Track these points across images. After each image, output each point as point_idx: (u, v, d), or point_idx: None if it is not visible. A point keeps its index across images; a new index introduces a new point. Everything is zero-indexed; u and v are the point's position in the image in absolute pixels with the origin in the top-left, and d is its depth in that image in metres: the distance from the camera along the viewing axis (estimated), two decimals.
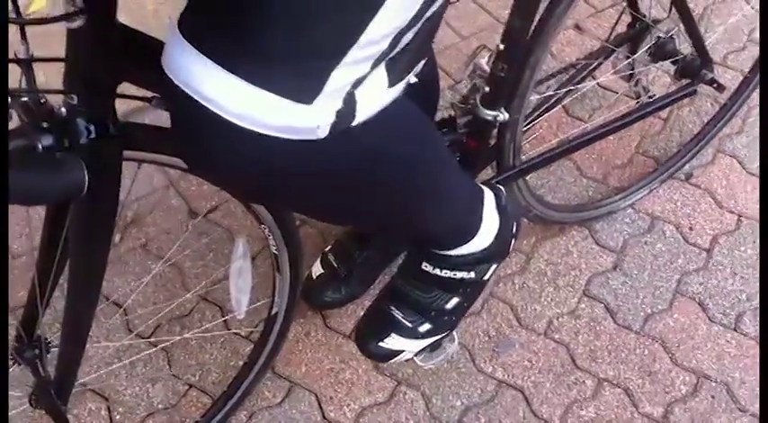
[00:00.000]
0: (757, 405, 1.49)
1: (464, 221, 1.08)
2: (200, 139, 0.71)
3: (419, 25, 0.72)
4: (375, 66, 0.71)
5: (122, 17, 0.73)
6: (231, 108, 0.67)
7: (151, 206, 1.62)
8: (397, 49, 0.72)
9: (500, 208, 1.13)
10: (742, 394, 1.51)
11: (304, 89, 0.67)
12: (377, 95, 0.74)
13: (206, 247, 1.59)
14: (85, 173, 0.72)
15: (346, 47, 0.67)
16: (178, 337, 1.46)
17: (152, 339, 1.46)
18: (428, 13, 0.72)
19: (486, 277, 1.15)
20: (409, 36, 0.72)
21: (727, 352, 1.56)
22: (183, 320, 1.50)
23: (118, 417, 1.40)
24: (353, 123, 0.73)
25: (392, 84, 0.75)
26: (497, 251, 1.13)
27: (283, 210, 1.03)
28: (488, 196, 1.13)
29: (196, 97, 0.67)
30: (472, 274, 1.12)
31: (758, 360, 1.55)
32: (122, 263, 1.55)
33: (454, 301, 1.15)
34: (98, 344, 1.43)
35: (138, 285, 1.49)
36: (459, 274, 1.11)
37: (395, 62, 0.73)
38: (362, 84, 0.71)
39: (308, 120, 0.69)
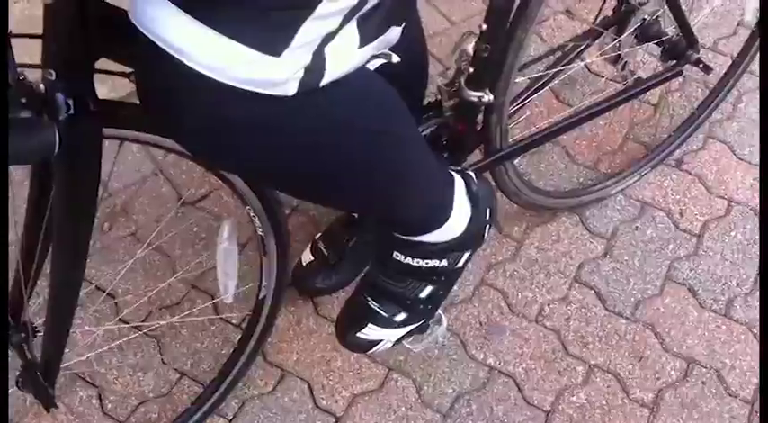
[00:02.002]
0: (747, 390, 1.49)
1: (433, 206, 1.07)
2: (167, 94, 0.71)
3: None
4: (345, 21, 0.71)
5: None
6: (199, 58, 0.67)
7: (139, 194, 1.62)
8: (368, 6, 0.72)
9: (471, 194, 1.12)
10: (732, 379, 1.51)
11: (272, 41, 0.68)
12: (347, 54, 0.74)
13: (195, 234, 1.59)
14: (56, 134, 0.72)
15: (317, 0, 0.67)
16: (167, 322, 1.45)
17: (143, 324, 1.46)
18: None
19: (459, 265, 1.14)
20: None
21: (718, 337, 1.56)
22: (174, 309, 1.50)
23: (109, 405, 1.40)
24: (322, 82, 0.73)
25: (362, 44, 0.75)
26: (470, 239, 1.13)
27: (266, 189, 1.03)
28: (458, 183, 1.11)
29: (163, 46, 0.67)
30: (444, 263, 1.12)
31: (747, 345, 1.55)
32: (111, 251, 1.55)
33: (428, 289, 1.15)
34: (88, 332, 1.43)
35: (126, 273, 1.49)
36: (431, 263, 1.11)
37: (366, 20, 0.73)
38: (332, 41, 0.71)
39: (275, 72, 0.69)
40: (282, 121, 0.75)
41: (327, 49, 0.71)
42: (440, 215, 1.07)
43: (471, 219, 1.11)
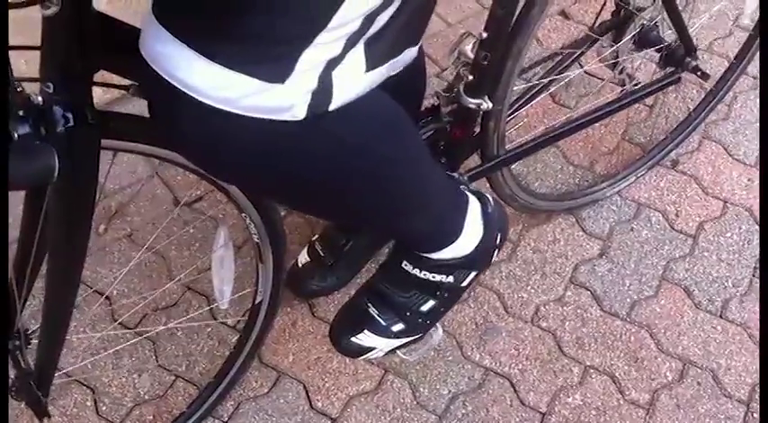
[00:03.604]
0: (743, 391, 1.50)
1: (443, 226, 1.08)
2: (180, 124, 0.72)
3: (394, 7, 0.72)
4: (350, 46, 0.71)
5: (103, 7, 0.73)
6: (209, 92, 0.69)
7: (135, 196, 1.62)
8: (373, 31, 0.72)
9: (485, 217, 1.13)
10: (727, 380, 1.51)
11: (276, 70, 0.69)
12: (354, 78, 0.74)
13: (191, 236, 1.58)
14: (56, 159, 0.72)
15: (317, 30, 0.68)
16: (163, 327, 1.45)
17: (138, 329, 1.46)
18: None
19: (464, 284, 1.15)
20: (384, 18, 0.72)
21: (713, 338, 1.57)
22: (170, 311, 1.50)
23: (104, 408, 1.40)
24: (330, 106, 0.74)
25: (370, 68, 0.75)
26: (478, 260, 1.13)
27: (263, 198, 1.03)
28: (473, 204, 1.12)
29: (173, 83, 0.69)
30: (450, 279, 1.12)
31: (743, 346, 1.56)
32: (107, 253, 1.54)
33: (430, 303, 1.15)
34: (83, 334, 1.43)
35: (123, 275, 1.48)
36: (438, 277, 1.11)
37: (373, 45, 0.73)
38: (339, 65, 0.72)
39: (282, 99, 0.70)
40: (292, 145, 0.76)
41: (335, 74, 0.72)
42: (450, 235, 1.08)
43: (482, 240, 1.12)
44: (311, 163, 0.79)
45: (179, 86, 0.69)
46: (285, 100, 0.71)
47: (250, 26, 0.66)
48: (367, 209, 0.94)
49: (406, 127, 0.91)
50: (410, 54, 0.83)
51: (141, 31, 0.71)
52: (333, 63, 0.71)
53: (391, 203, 0.95)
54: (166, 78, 0.69)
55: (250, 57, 0.68)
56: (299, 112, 0.72)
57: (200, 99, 0.69)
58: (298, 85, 0.70)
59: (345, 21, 0.69)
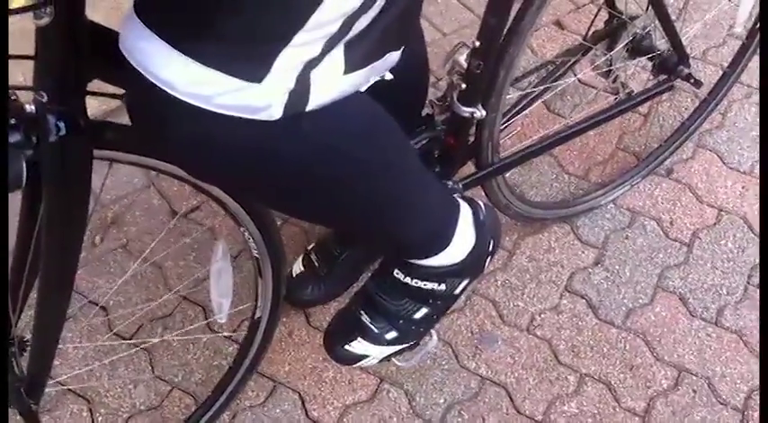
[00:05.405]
0: (738, 398, 1.50)
1: (431, 233, 1.07)
2: (156, 118, 0.73)
3: (373, 12, 0.73)
4: (329, 48, 0.72)
5: (97, 17, 0.74)
6: (185, 88, 0.69)
7: (131, 206, 1.62)
8: (352, 34, 0.73)
9: (477, 224, 1.13)
10: (723, 388, 1.51)
11: (253, 69, 0.69)
12: (332, 80, 0.75)
13: (188, 246, 1.58)
14: (23, 166, 0.73)
15: (294, 30, 0.68)
16: (159, 339, 1.45)
17: (134, 340, 1.46)
18: (380, 1, 0.72)
19: (456, 292, 1.15)
20: (363, 22, 0.72)
21: (708, 346, 1.57)
22: (166, 321, 1.50)
23: (100, 418, 1.40)
24: (307, 107, 0.74)
25: (349, 70, 0.75)
26: (470, 267, 1.13)
27: (260, 210, 1.03)
28: (465, 211, 1.12)
29: (151, 78, 0.69)
30: (443, 287, 1.12)
31: (738, 353, 1.56)
32: (103, 263, 1.54)
33: (423, 311, 1.15)
34: (79, 344, 1.43)
35: (119, 286, 1.49)
36: (430, 285, 1.11)
37: (352, 47, 0.74)
38: (318, 67, 0.72)
39: (258, 99, 0.71)
40: (268, 144, 0.76)
41: (313, 75, 0.72)
42: (440, 242, 1.08)
43: (474, 247, 1.12)
44: (287, 163, 0.79)
45: (153, 80, 0.69)
46: (262, 100, 0.71)
47: (227, 24, 0.67)
48: (345, 211, 0.94)
49: (387, 131, 0.90)
50: (393, 58, 0.83)
51: (122, 27, 0.72)
52: (311, 64, 0.72)
53: (370, 207, 0.95)
54: (143, 73, 0.70)
55: (227, 55, 0.68)
56: (276, 112, 0.72)
57: (173, 94, 0.69)
58: (275, 85, 0.71)
59: (324, 22, 0.69)
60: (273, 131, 0.74)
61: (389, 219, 0.99)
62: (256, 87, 0.70)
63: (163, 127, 0.74)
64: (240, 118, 0.71)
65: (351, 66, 0.75)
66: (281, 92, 0.71)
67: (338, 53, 0.73)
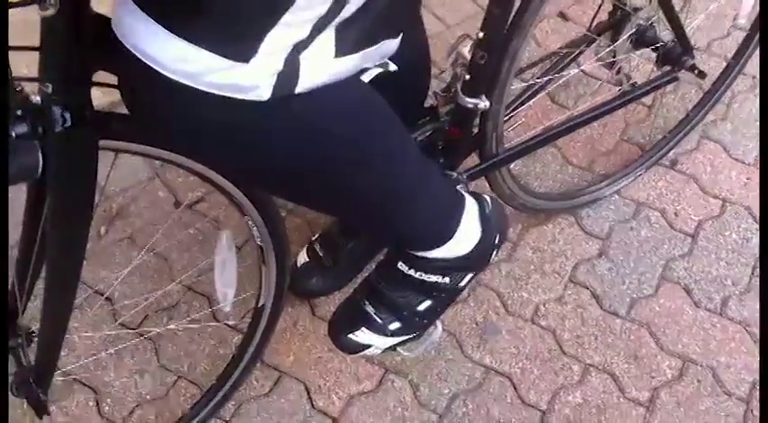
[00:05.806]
0: (742, 388, 1.51)
1: (432, 224, 1.07)
2: (149, 99, 0.74)
3: None
4: (318, 30, 0.72)
5: (102, 8, 0.74)
6: (173, 67, 0.69)
7: (136, 197, 1.63)
8: (342, 17, 0.72)
9: (483, 218, 1.12)
10: (727, 378, 1.52)
11: (240, 49, 0.70)
12: (322, 63, 0.75)
13: (192, 237, 1.59)
14: (39, 156, 0.73)
15: (282, 9, 0.68)
16: (164, 329, 1.46)
17: (139, 330, 1.47)
18: None
19: (460, 285, 1.15)
20: (355, 3, 0.72)
21: (713, 336, 1.57)
22: (171, 311, 1.51)
23: (106, 408, 1.41)
24: (297, 89, 0.74)
25: (340, 54, 0.75)
26: (475, 261, 1.13)
27: (264, 199, 1.03)
28: (470, 205, 1.12)
29: (140, 56, 0.70)
30: (446, 280, 1.12)
31: (742, 344, 1.56)
32: (109, 254, 1.55)
33: (426, 303, 1.15)
34: (85, 334, 1.43)
35: (124, 277, 1.49)
36: (433, 278, 1.11)
37: (344, 31, 0.74)
38: (307, 49, 0.72)
39: (245, 78, 0.71)
40: (258, 125, 0.76)
41: (302, 57, 0.72)
42: (442, 234, 1.07)
43: (479, 241, 1.12)
44: (278, 146, 0.79)
45: (140, 57, 0.70)
46: (249, 80, 0.71)
47: (215, 2, 0.67)
48: (342, 197, 0.94)
49: (383, 119, 0.90)
50: (389, 46, 0.83)
51: (114, 8, 0.72)
52: (300, 46, 0.72)
53: (369, 194, 0.95)
54: (132, 50, 0.70)
55: (215, 34, 0.68)
56: (264, 93, 0.72)
57: (161, 72, 0.69)
58: (263, 66, 0.71)
59: (312, 3, 0.69)
60: (263, 112, 0.74)
61: (389, 208, 0.99)
62: (243, 67, 0.70)
63: (154, 108, 0.74)
64: (231, 98, 0.72)
65: (341, 50, 0.75)
66: (269, 73, 0.72)
67: (328, 36, 0.73)
